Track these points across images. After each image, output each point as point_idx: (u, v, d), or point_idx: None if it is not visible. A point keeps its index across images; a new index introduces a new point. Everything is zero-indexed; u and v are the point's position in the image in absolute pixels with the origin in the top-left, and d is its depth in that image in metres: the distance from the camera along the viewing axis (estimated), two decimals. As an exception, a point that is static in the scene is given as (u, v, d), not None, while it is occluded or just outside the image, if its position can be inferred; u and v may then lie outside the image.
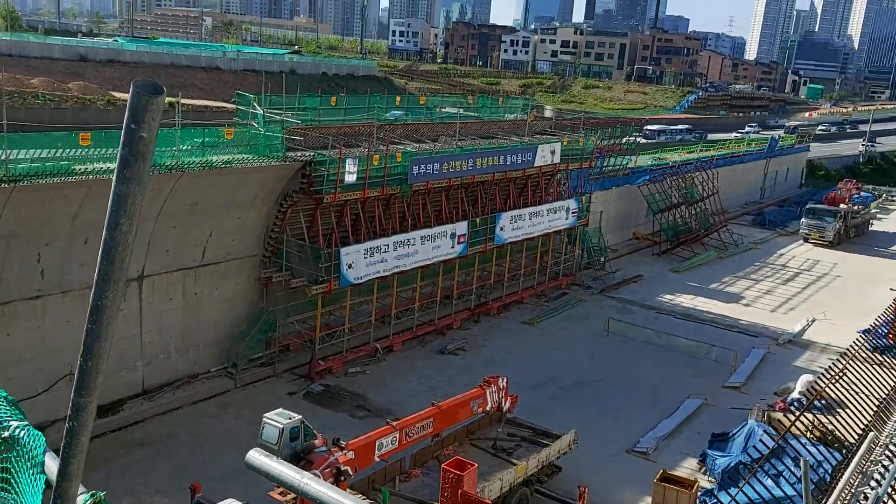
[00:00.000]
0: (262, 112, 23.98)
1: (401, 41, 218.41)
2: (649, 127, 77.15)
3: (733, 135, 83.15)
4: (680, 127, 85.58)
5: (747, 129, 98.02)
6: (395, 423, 16.49)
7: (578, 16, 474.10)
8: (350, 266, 24.24)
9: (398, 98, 36.99)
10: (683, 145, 64.71)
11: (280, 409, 15.20)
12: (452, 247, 28.38)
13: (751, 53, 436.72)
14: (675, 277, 40.04)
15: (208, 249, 22.92)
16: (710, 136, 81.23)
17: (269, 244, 24.49)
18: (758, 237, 51.19)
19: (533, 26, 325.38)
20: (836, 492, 9.85)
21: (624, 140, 44.33)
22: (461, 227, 28.72)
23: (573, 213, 35.16)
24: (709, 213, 47.80)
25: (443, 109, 36.99)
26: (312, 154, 24.29)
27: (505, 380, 19.49)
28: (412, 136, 30.30)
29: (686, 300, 36.25)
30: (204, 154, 20.91)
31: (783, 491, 15.77)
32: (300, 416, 14.97)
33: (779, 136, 77.25)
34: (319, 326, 25.00)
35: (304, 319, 25.70)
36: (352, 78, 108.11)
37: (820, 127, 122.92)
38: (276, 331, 24.76)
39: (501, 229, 30.79)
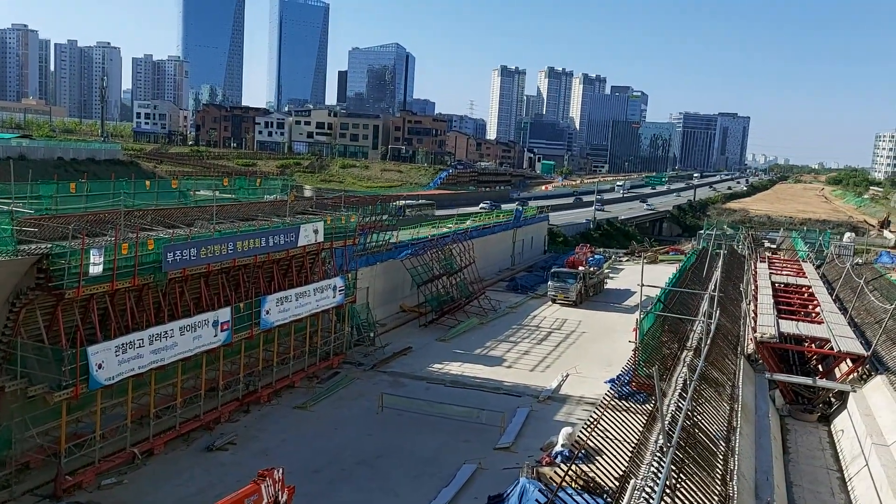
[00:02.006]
0: (-16, 202, 21.32)
1: (147, 123, 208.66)
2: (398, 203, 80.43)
3: (478, 207, 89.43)
4: (421, 201, 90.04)
5: (481, 206, 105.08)
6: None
7: (331, 98, 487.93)
8: (100, 366, 21.94)
9: (147, 182, 34.93)
10: (440, 220, 68.00)
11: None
12: (215, 335, 26.90)
13: (491, 133, 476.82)
14: (442, 346, 41.31)
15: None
16: (463, 210, 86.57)
17: (0, 350, 21.45)
18: (513, 301, 54.71)
19: (287, 108, 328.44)
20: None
21: (384, 217, 45.66)
22: (224, 314, 27.37)
23: (340, 290, 35.16)
24: (468, 281, 50.36)
25: (197, 192, 35.57)
26: (50, 246, 21.95)
27: (281, 470, 18.53)
28: (165, 222, 28.65)
29: (454, 367, 37.44)
30: None
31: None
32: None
33: (522, 207, 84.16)
34: (65, 437, 22.15)
35: (47, 431, 22.65)
36: (93, 162, 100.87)
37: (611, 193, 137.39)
38: (11, 448, 21.51)
39: (267, 312, 29.85)
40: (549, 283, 55.72)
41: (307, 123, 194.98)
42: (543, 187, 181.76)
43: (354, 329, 38.74)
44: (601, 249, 79.97)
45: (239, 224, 31.35)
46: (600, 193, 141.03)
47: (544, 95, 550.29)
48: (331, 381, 33.91)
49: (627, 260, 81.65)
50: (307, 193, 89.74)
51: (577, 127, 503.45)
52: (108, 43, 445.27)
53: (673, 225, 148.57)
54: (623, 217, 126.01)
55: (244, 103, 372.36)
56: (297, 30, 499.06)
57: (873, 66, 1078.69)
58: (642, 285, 25.81)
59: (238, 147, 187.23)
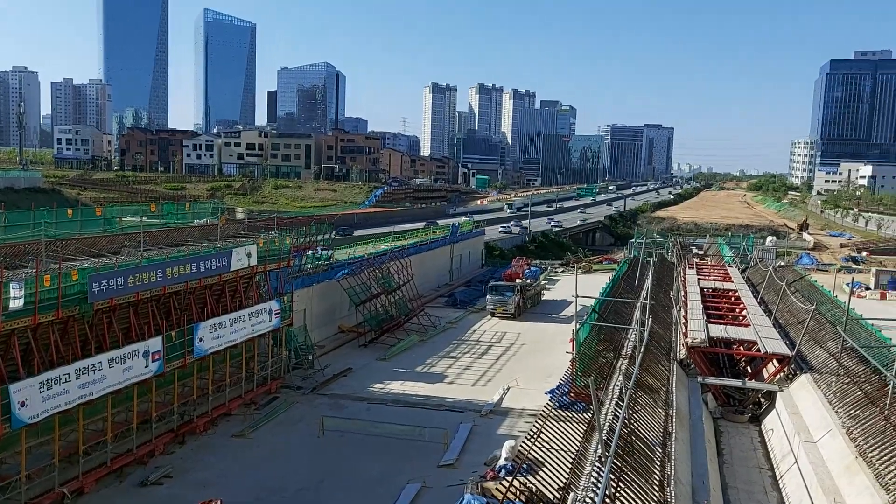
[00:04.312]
0: None
1: (69, 149, 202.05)
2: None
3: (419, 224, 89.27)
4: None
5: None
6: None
7: (261, 118, 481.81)
8: (22, 404, 20.97)
9: (70, 210, 33.75)
10: (377, 238, 67.84)
11: None
12: (146, 366, 26.07)
13: (425, 150, 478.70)
14: (382, 366, 41.02)
15: None
16: (400, 227, 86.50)
17: (-88, 392, 20.30)
18: (452, 317, 54.81)
19: (216, 129, 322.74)
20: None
21: (320, 237, 45.24)
22: (155, 344, 26.56)
23: (276, 314, 34.59)
24: (407, 299, 50.23)
25: (124, 219, 34.56)
26: (-35, 280, 20.94)
27: (219, 502, 18.06)
28: (90, 251, 27.71)
29: (395, 386, 37.21)
30: None
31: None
32: None
33: (458, 223, 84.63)
34: (-13, 481, 21.08)
35: (-33, 476, 21.53)
36: (12, 191, 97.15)
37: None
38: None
39: (201, 340, 29.10)
40: (487, 296, 56.06)
41: (237, 145, 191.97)
42: (479, 202, 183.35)
43: (292, 352, 38.12)
44: (537, 261, 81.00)
45: (168, 250, 30.56)
46: (545, 205, 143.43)
47: (476, 111, 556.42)
48: (269, 407, 33.25)
49: (563, 271, 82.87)
50: (239, 216, 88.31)
51: (510, 141, 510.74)
52: (25, 67, 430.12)
53: (605, 234, 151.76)
54: (553, 230, 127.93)
55: (171, 126, 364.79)
56: (223, 50, 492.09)
57: (788, 80, 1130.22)
58: (577, 296, 26.23)
59: (166, 171, 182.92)
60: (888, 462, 17.07)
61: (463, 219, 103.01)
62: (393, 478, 25.81)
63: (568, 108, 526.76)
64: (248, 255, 32.35)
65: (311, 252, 45.08)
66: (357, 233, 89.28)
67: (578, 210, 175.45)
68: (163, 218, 37.16)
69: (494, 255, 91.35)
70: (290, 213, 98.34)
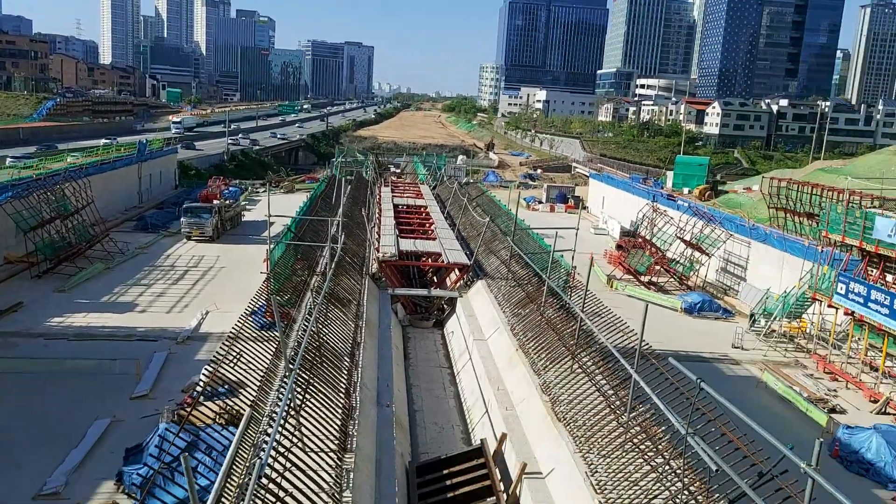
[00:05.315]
0: None
1: None
2: None
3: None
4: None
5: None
6: None
7: None
8: None
9: None
10: (46, 156, 60.46)
11: None
12: None
13: (106, 58, 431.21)
14: (62, 297, 37.45)
15: None
16: (80, 144, 77.82)
17: None
18: (143, 242, 51.45)
19: None
20: (224, 466, 10.87)
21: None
22: None
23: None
24: (88, 224, 45.93)
25: None
26: None
27: None
28: None
29: (78, 319, 34.31)
30: None
31: (199, 484, 16.51)
32: None
33: (147, 139, 78.53)
34: None
35: None
36: None
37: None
38: None
39: None
40: (182, 219, 53.42)
41: None
42: (170, 118, 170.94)
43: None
44: (237, 181, 78.62)
45: None
46: (234, 122, 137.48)
47: (164, 16, 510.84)
48: (-82, 354, 28.79)
49: (265, 191, 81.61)
50: None
51: (204, 52, 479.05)
52: None
53: (308, 153, 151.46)
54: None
55: None
56: None
57: (477, 6, 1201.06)
58: (270, 215, 26.24)
59: None
60: (540, 351, 20.03)
61: (153, 135, 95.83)
62: (80, 416, 24.11)
63: (266, 19, 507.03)
64: None
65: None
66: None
67: (297, 125, 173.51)
68: None
69: (190, 175, 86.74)
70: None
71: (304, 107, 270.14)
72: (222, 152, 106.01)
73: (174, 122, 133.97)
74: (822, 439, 8.50)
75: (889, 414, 28.74)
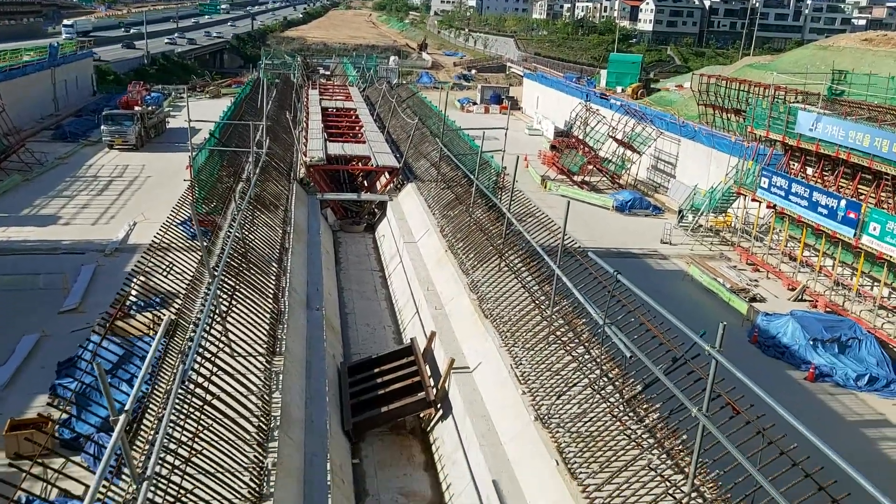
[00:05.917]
0: None
1: None
2: None
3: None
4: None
5: None
6: None
7: None
8: None
9: None
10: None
11: None
12: None
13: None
14: (-24, 212, 36.01)
15: None
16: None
17: None
18: (62, 152, 49.38)
19: None
20: (142, 371, 10.93)
21: None
22: None
23: None
24: (1, 133, 43.70)
25: None
26: None
27: None
28: None
29: (-3, 234, 33.19)
30: None
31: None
32: None
33: (58, 42, 73.91)
34: None
35: None
36: None
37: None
38: None
39: None
40: (103, 127, 51.25)
41: None
42: (92, 16, 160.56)
43: None
44: (159, 86, 75.22)
45: None
46: (151, 24, 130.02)
47: None
48: None
49: (189, 96, 78.37)
50: None
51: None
52: None
53: (234, 56, 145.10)
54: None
55: None
56: None
57: None
58: (189, 120, 25.42)
59: None
60: (468, 251, 20.36)
61: (63, 37, 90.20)
62: (6, 333, 23.68)
63: None
64: None
65: None
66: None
67: (229, 23, 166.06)
68: None
69: (108, 80, 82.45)
70: None
71: (223, 6, 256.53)
72: (142, 56, 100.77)
73: (65, 26, 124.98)
74: (724, 323, 8.99)
75: (805, 301, 30.49)
